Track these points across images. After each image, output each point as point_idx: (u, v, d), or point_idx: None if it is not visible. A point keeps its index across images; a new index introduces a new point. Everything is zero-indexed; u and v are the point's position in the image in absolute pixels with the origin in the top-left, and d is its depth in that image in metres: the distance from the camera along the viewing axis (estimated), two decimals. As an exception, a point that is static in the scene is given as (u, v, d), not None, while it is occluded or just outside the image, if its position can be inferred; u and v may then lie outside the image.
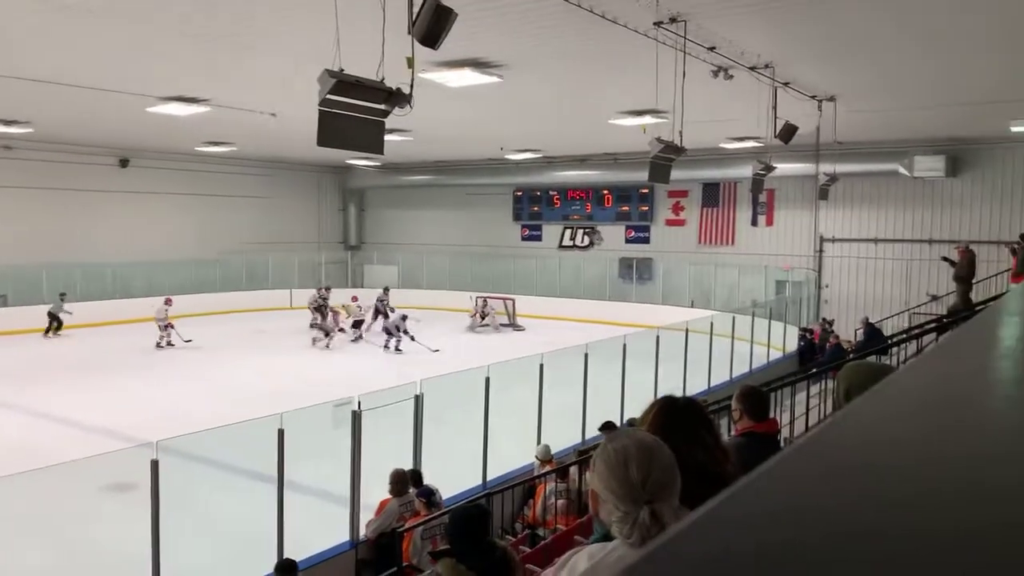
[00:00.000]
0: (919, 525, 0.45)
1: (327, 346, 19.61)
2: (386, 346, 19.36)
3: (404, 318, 19.62)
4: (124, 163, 24.68)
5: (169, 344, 19.43)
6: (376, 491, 7.74)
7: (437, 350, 18.63)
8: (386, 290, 23.03)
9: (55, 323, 20.92)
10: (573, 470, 8.68)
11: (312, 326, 21.04)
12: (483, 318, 23.12)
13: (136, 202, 25.04)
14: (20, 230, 22.36)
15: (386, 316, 20.73)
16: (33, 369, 16.48)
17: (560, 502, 8.29)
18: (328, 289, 22.69)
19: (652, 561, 0.44)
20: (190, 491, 8.01)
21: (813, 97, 13.22)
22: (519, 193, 28.36)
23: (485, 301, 23.51)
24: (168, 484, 6.08)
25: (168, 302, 20.15)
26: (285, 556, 6.46)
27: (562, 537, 6.95)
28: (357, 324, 21.03)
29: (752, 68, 11.00)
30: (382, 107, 6.42)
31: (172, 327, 19.54)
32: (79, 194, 23.67)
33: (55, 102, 14.86)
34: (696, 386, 13.29)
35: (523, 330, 23.40)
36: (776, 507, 0.48)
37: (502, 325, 23.64)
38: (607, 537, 1.79)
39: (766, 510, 0.48)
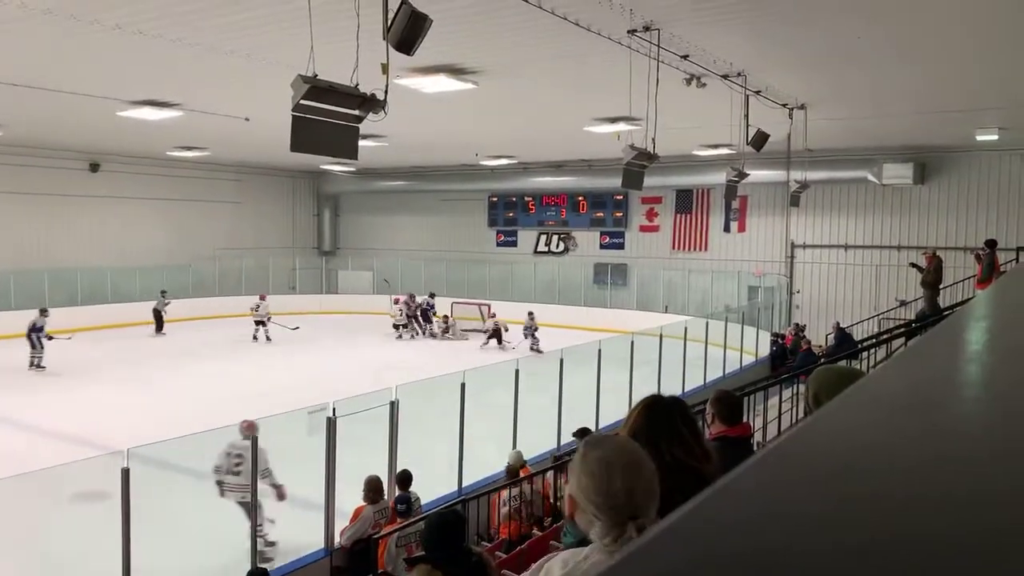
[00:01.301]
0: (892, 528, 0.46)
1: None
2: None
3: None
4: (95, 167, 24.32)
5: (268, 339, 21.19)
6: (352, 497, 7.68)
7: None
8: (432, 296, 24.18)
9: (160, 321, 22.34)
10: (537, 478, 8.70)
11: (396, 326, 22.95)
12: (447, 329, 23.09)
13: (107, 207, 24.68)
14: (-13, 235, 21.96)
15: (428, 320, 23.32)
16: (2, 377, 16.16)
17: (508, 510, 8.26)
18: (263, 297, 22.49)
19: (626, 567, 0.44)
20: (163, 499, 7.89)
21: (784, 105, 13.39)
22: (494, 199, 28.38)
23: (445, 318, 23.78)
24: (139, 492, 6.00)
25: (263, 297, 22.05)
26: (258, 564, 6.39)
27: (537, 543, 6.95)
28: (396, 326, 22.82)
29: (725, 76, 11.12)
30: (356, 113, 6.40)
31: (268, 322, 21.29)
32: (48, 198, 23.29)
33: (24, 105, 14.63)
34: (670, 391, 13.28)
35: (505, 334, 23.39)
36: (752, 512, 0.49)
37: (477, 331, 23.61)
38: (582, 542, 1.76)
39: (741, 515, 0.49)
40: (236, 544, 6.74)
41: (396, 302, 23.38)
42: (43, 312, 17.76)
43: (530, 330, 20.42)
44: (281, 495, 7.61)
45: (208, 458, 8.06)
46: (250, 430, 7.51)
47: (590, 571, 1.67)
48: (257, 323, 21.48)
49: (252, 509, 6.76)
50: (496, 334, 20.89)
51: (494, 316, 22.36)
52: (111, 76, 12.24)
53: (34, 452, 10.22)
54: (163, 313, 22.58)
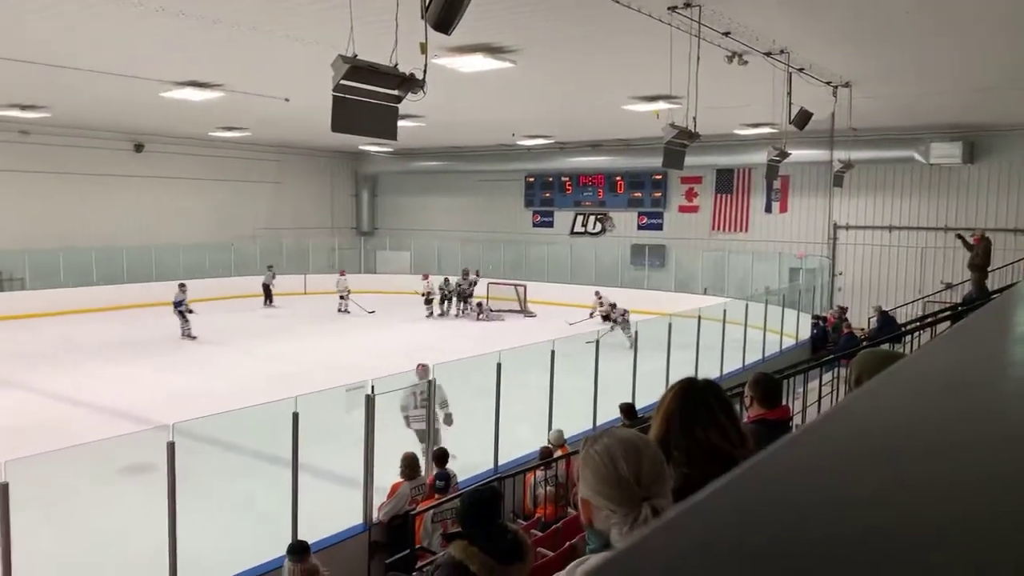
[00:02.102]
0: (930, 512, 0.45)
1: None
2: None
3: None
4: (139, 148, 24.80)
5: (346, 311, 23.02)
6: (389, 474, 7.80)
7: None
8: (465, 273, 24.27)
9: (269, 294, 24.18)
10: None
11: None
12: (480, 312, 23.09)
13: (151, 187, 25.19)
14: (37, 214, 22.58)
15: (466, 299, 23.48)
16: (54, 351, 16.65)
17: (550, 489, 8.31)
18: (343, 273, 24.51)
19: (640, 551, 0.44)
20: (205, 473, 8.09)
21: (828, 83, 13.11)
22: (531, 179, 28.30)
23: (480, 304, 23.74)
24: (184, 466, 6.15)
25: (342, 273, 24.10)
26: (298, 538, 6.52)
27: (572, 522, 6.99)
28: (428, 301, 23.12)
29: (767, 54, 10.91)
30: (395, 93, 6.42)
31: (347, 296, 23.18)
32: (95, 178, 23.83)
33: (71, 87, 14.93)
34: (708, 374, 13.10)
35: (534, 316, 23.41)
36: (779, 493, 0.49)
37: (514, 311, 23.66)
38: (607, 547, 1.70)
39: (768, 496, 0.48)
40: (278, 517, 6.89)
41: (425, 277, 23.81)
42: (182, 287, 19.17)
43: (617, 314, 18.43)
44: (449, 422, 9.17)
45: (248, 434, 8.28)
46: (424, 373, 9.15)
47: None
48: (341, 297, 23.40)
49: (293, 482, 6.90)
50: (607, 317, 19.11)
51: (602, 299, 20.82)
52: (154, 57, 12.43)
53: (77, 427, 10.55)
54: (271, 286, 24.43)
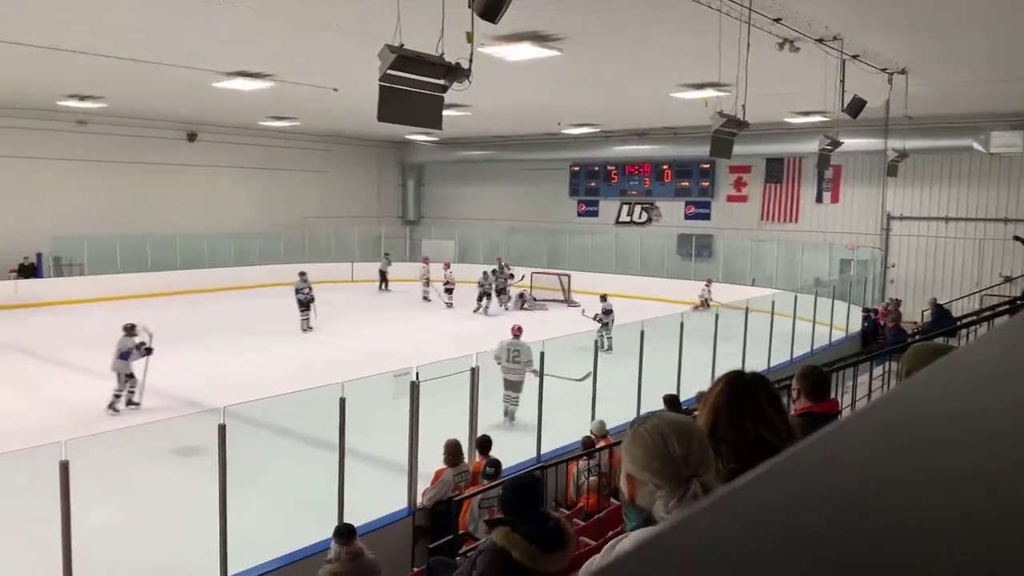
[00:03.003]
0: (968, 504, 0.44)
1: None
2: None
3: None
4: (192, 137, 25.35)
5: (427, 299, 23.35)
6: (434, 460, 7.87)
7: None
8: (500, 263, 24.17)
9: (384, 279, 25.54)
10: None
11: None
12: (523, 302, 22.95)
13: (202, 175, 25.76)
14: (95, 202, 23.29)
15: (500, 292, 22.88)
16: (109, 337, 17.11)
17: (592, 479, 8.30)
18: (425, 261, 25.06)
19: (694, 520, 0.44)
20: (254, 456, 8.27)
21: (883, 70, 12.76)
22: (576, 168, 28.18)
23: (521, 295, 23.54)
24: (233, 448, 6.30)
25: (425, 261, 24.70)
26: (344, 521, 6.64)
27: (615, 512, 6.98)
28: (449, 290, 22.85)
29: (819, 40, 10.67)
30: (441, 82, 6.45)
31: (428, 285, 23.51)
32: (149, 167, 24.45)
33: (127, 77, 15.31)
34: (755, 366, 13.05)
35: (578, 306, 23.32)
36: (822, 483, 0.48)
37: (557, 301, 23.61)
38: (648, 523, 1.74)
39: (807, 485, 0.48)
40: (324, 501, 7.01)
41: (447, 266, 23.41)
42: (302, 276, 18.65)
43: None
44: (537, 375, 9.83)
45: (297, 418, 8.45)
46: (519, 332, 11.47)
47: None
48: (425, 285, 23.75)
49: (339, 466, 7.02)
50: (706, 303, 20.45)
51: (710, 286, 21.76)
52: (207, 48, 12.67)
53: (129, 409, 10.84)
54: (387, 272, 25.87)
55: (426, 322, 20.25)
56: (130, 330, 11.85)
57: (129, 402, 11.48)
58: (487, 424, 9.13)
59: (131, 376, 11.54)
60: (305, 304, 18.23)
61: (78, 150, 22.79)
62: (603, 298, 16.80)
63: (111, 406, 11.20)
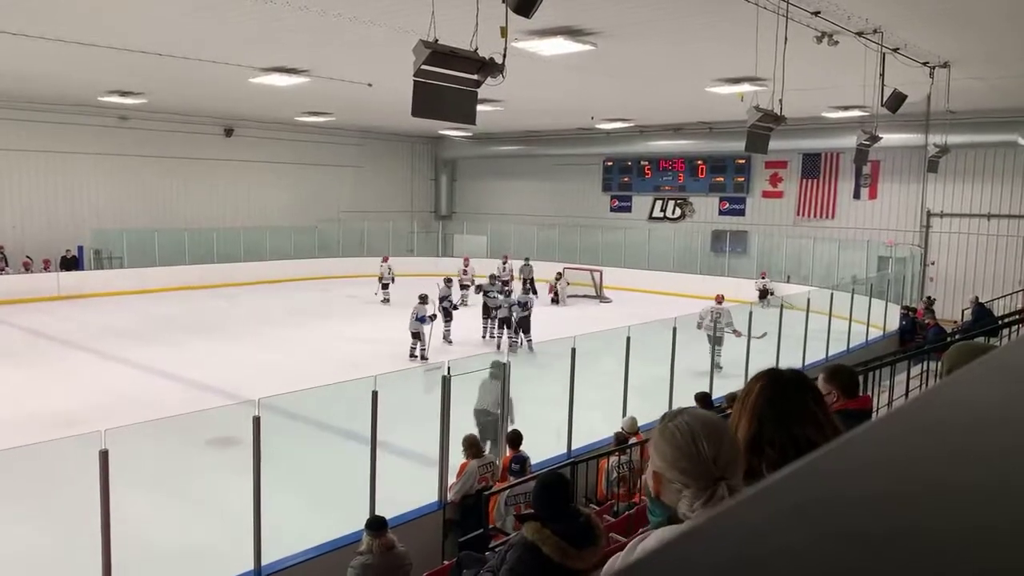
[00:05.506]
0: (999, 508, 0.44)
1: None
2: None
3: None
4: (229, 132, 25.72)
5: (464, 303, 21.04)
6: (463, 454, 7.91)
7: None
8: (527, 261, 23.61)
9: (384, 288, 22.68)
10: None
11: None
12: (555, 296, 22.81)
13: (239, 170, 26.13)
14: (134, 196, 23.78)
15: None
16: (148, 329, 17.47)
17: (623, 476, 8.26)
18: (467, 262, 23.31)
19: (721, 521, 0.43)
20: (289, 447, 8.38)
21: (924, 64, 12.50)
22: (609, 163, 28.04)
23: (558, 275, 23.19)
24: (267, 439, 6.38)
25: (467, 262, 23.00)
26: (376, 513, 6.70)
27: (645, 509, 6.94)
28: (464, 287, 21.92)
29: (859, 33, 10.48)
30: (475, 77, 6.46)
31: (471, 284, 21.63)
32: (188, 162, 24.87)
33: (166, 74, 15.57)
34: (790, 364, 12.93)
35: (610, 302, 23.26)
36: (856, 482, 0.48)
37: (589, 297, 23.55)
38: (672, 521, 1.70)
39: (845, 485, 0.48)
40: (356, 492, 7.08)
41: (466, 263, 22.80)
42: (384, 259, 21.82)
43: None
44: (738, 334, 12.13)
45: (330, 411, 8.54)
46: (721, 299, 13.56)
47: None
48: (463, 287, 21.48)
49: (371, 459, 7.07)
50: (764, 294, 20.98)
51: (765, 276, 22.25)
52: (244, 44, 12.83)
53: (165, 400, 11.05)
54: (388, 284, 22.79)
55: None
56: (424, 299, 14.57)
57: (422, 356, 14.24)
58: (519, 421, 9.13)
59: (418, 335, 14.31)
60: (384, 286, 21.28)
61: (119, 145, 23.25)
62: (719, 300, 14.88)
63: (412, 355, 14.27)
